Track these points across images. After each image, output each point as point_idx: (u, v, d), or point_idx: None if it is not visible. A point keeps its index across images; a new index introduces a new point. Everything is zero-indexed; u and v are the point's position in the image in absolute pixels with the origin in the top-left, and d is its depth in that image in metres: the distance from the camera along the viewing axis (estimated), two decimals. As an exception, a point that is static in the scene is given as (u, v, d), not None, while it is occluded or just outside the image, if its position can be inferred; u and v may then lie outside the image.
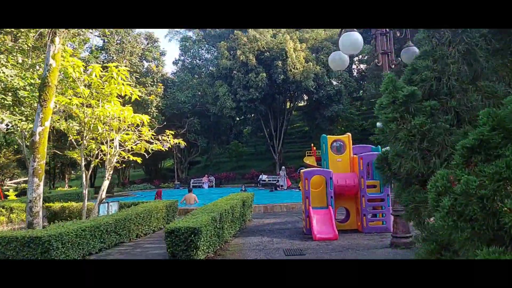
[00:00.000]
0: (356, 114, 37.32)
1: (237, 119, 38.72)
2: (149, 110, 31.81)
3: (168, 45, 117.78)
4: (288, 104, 39.02)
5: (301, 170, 10.65)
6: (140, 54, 33.41)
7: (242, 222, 11.46)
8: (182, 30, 39.42)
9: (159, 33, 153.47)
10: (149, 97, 31.70)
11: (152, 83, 33.00)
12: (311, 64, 31.94)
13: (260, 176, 33.89)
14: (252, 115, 42.05)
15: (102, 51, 31.39)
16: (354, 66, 43.83)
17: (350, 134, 10.87)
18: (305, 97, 38.24)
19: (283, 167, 27.78)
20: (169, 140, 12.81)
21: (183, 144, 12.97)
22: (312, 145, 27.21)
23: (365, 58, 36.37)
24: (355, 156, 10.61)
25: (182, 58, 38.81)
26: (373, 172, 11.22)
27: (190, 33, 39.79)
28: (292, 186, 27.49)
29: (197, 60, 38.47)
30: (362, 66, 42.71)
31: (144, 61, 34.62)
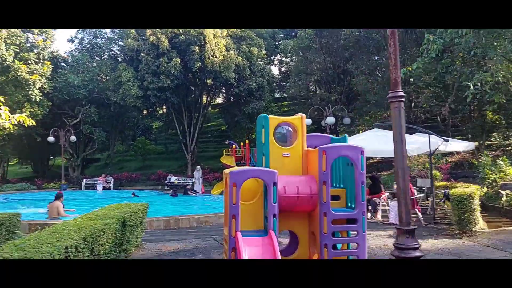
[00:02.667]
0: (277, 114, 33.98)
1: (145, 111, 33.06)
2: (30, 92, 24.99)
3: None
4: (204, 98, 34.37)
5: (226, 170, 6.25)
6: (22, 23, 26.30)
7: (121, 253, 6.70)
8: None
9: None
10: (31, 77, 24.86)
11: (37, 61, 26.10)
12: (232, 53, 27.79)
13: (169, 177, 28.85)
14: (163, 107, 36.68)
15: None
16: (276, 62, 40.64)
17: (304, 115, 6.70)
18: (224, 91, 33.96)
19: (198, 167, 23.03)
20: (2, 115, 7.49)
21: (28, 122, 7.69)
22: (227, 142, 22.93)
23: (289, 55, 33.20)
24: (311, 149, 6.49)
25: (79, 35, 32.05)
26: (336, 175, 7.20)
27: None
28: (208, 191, 22.99)
29: (98, 39, 31.98)
30: (284, 66, 39.73)
31: (28, 34, 27.47)
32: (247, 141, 22.61)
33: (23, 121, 8.01)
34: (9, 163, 52.13)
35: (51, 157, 42.39)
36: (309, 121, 20.24)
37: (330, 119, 20.01)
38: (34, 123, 7.22)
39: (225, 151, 22.80)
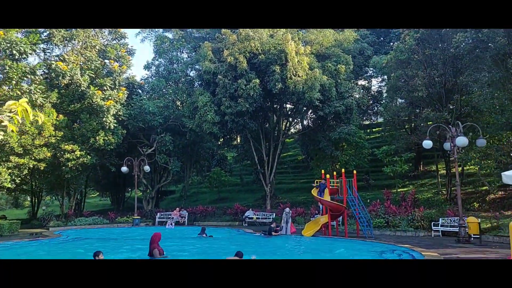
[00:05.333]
0: (366, 139, 28.84)
1: (221, 139, 29.77)
2: (104, 119, 22.70)
3: (140, 47, 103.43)
4: (283, 124, 30.40)
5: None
6: (99, 49, 24.61)
7: None
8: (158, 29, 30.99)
9: (129, 30, 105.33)
10: (105, 103, 22.65)
11: (112, 86, 24.03)
12: (317, 71, 23.64)
13: (247, 213, 24.79)
14: (238, 138, 33.30)
15: (45, 39, 22.60)
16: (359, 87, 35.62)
17: None
18: (304, 116, 29.73)
19: (287, 209, 18.62)
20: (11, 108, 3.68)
21: (40, 120, 3.93)
22: (323, 172, 18.31)
23: (380, 73, 28.32)
24: None
25: (156, 62, 30.05)
26: None
27: (168, 33, 31.25)
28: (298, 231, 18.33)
29: (175, 65, 29.70)
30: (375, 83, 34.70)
31: (106, 60, 25.79)
32: (343, 170, 17.88)
33: (38, 120, 4.24)
34: (92, 195, 51.82)
35: (129, 189, 40.66)
36: (430, 143, 15.07)
37: (427, 143, 14.73)
38: (60, 117, 3.39)
39: (316, 181, 18.20)
